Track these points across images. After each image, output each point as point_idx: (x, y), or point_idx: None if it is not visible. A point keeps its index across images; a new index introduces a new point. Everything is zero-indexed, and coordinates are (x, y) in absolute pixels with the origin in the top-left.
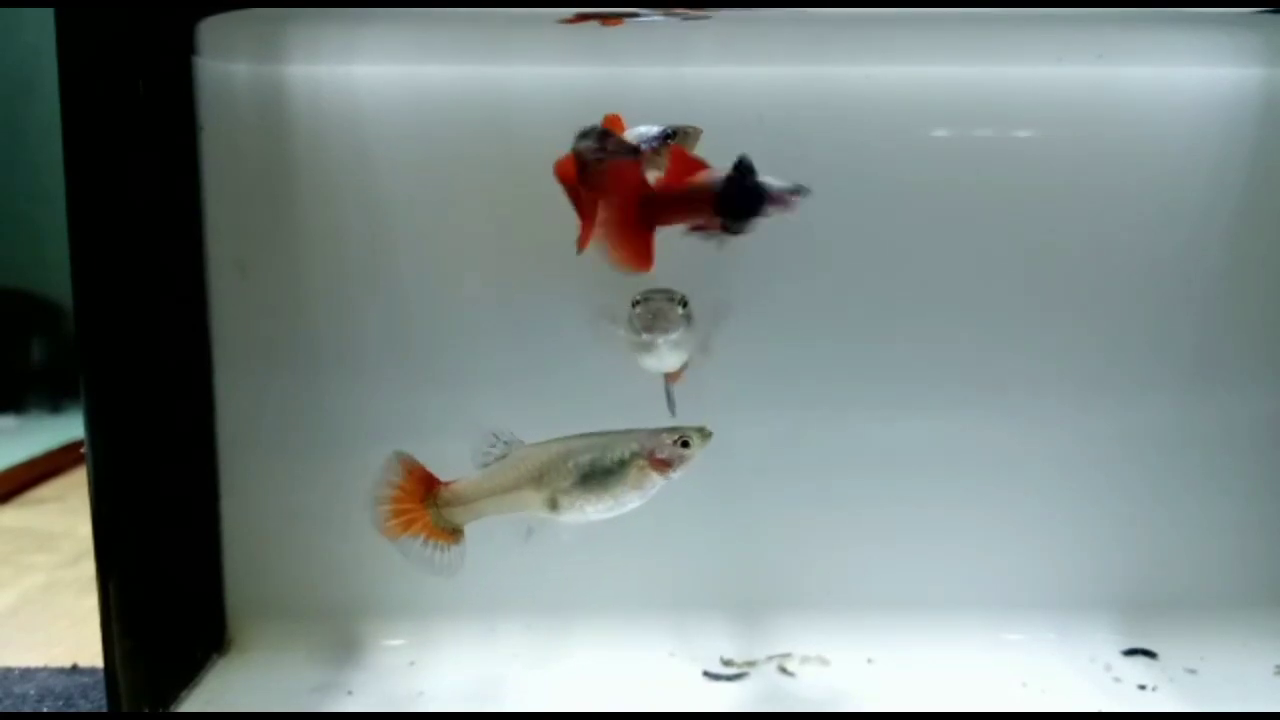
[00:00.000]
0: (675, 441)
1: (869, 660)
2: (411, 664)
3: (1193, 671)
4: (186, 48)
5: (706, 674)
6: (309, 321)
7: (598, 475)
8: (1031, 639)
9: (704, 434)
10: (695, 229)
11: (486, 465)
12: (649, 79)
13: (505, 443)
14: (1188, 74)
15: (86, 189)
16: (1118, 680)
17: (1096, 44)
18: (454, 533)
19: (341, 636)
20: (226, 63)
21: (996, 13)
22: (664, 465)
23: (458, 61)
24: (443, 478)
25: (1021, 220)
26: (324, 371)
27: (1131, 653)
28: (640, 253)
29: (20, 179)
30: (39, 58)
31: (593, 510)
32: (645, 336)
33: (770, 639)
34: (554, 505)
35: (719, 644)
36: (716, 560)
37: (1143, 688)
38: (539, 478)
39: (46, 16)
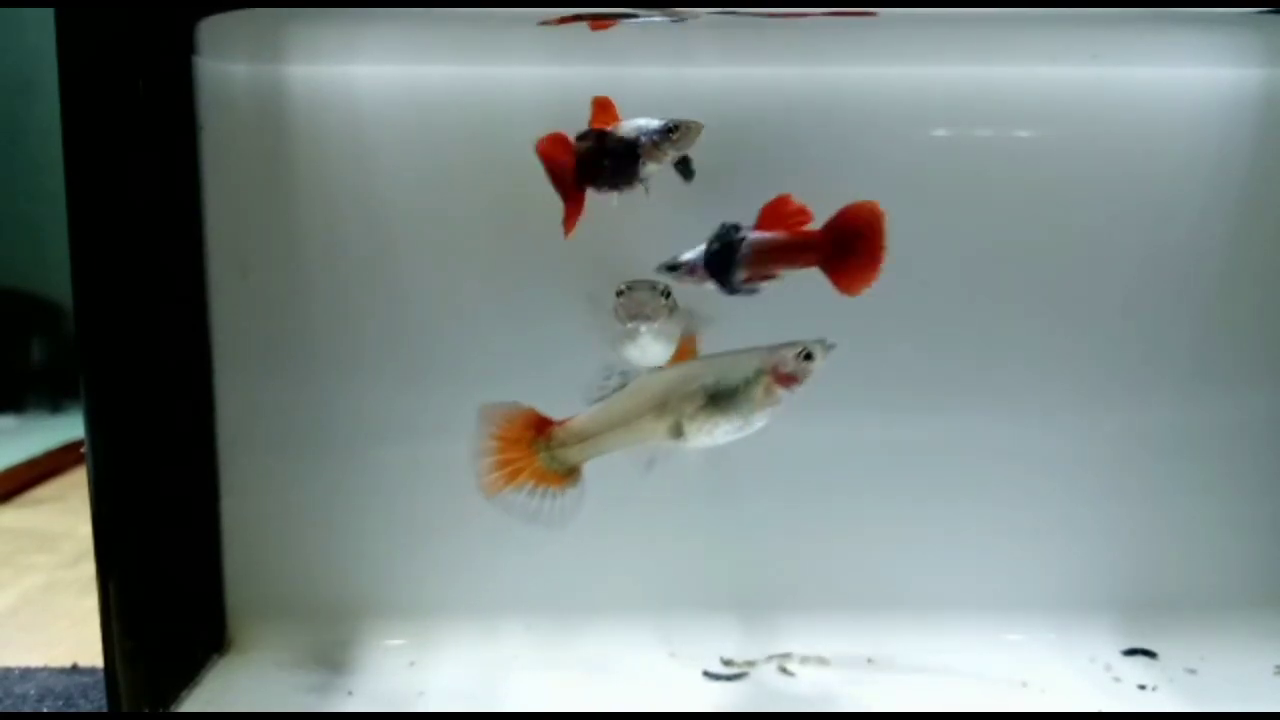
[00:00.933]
0: (798, 355)
1: (869, 660)
2: (412, 664)
3: (1193, 671)
4: (186, 47)
5: (707, 674)
6: (309, 321)
7: (724, 396)
8: (1031, 639)
9: (825, 346)
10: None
11: (602, 399)
12: (647, 79)
13: (621, 373)
14: (1187, 74)
15: (87, 189)
16: (1118, 680)
17: (1094, 44)
18: (568, 475)
19: (342, 637)
20: (226, 63)
21: (994, 13)
22: (790, 380)
23: (457, 61)
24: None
25: (1020, 221)
26: (324, 371)
27: (1131, 653)
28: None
29: (20, 179)
30: (39, 58)
31: (721, 433)
32: (629, 325)
33: (770, 639)
34: (679, 432)
35: (719, 644)
36: (717, 560)
37: (1143, 688)
38: (662, 405)
39: (47, 17)
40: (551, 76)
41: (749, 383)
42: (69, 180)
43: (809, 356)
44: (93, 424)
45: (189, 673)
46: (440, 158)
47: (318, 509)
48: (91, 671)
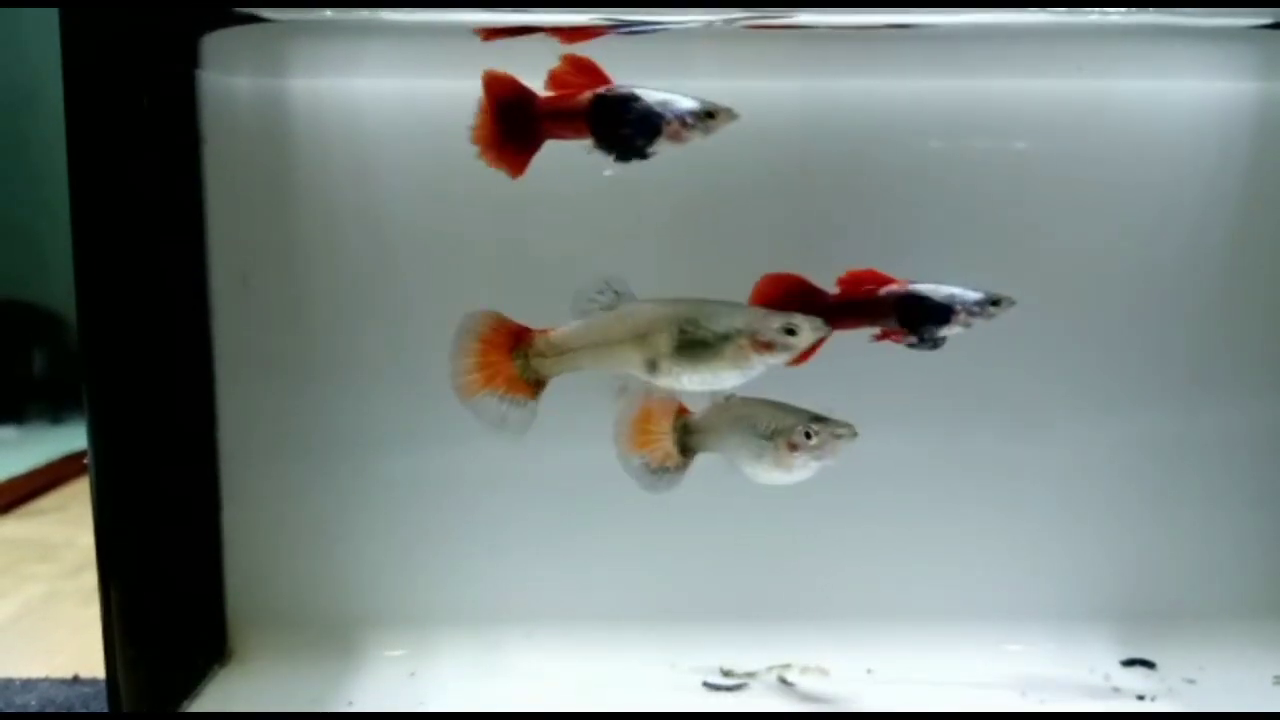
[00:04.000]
0: (782, 328)
1: (868, 670)
2: (412, 674)
3: (1191, 681)
4: (189, 61)
5: (706, 684)
6: (310, 332)
7: (697, 344)
8: (1031, 649)
9: (816, 326)
10: (882, 337)
11: (588, 313)
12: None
13: (616, 293)
14: (1184, 87)
15: (90, 200)
16: (1117, 690)
17: (1089, 57)
18: (536, 386)
19: (342, 647)
20: (229, 76)
21: (990, 25)
22: (765, 348)
23: (457, 75)
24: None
25: (1016, 232)
26: (325, 381)
27: (1131, 663)
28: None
29: (21, 190)
30: (41, 70)
31: (688, 380)
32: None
33: (770, 649)
34: (653, 368)
35: (719, 654)
36: (717, 571)
37: (1141, 698)
38: (642, 337)
39: (49, 29)
40: None
41: (723, 338)
42: (73, 191)
43: (792, 331)
44: (95, 433)
45: (190, 683)
46: (440, 170)
47: (319, 519)
48: (93, 682)
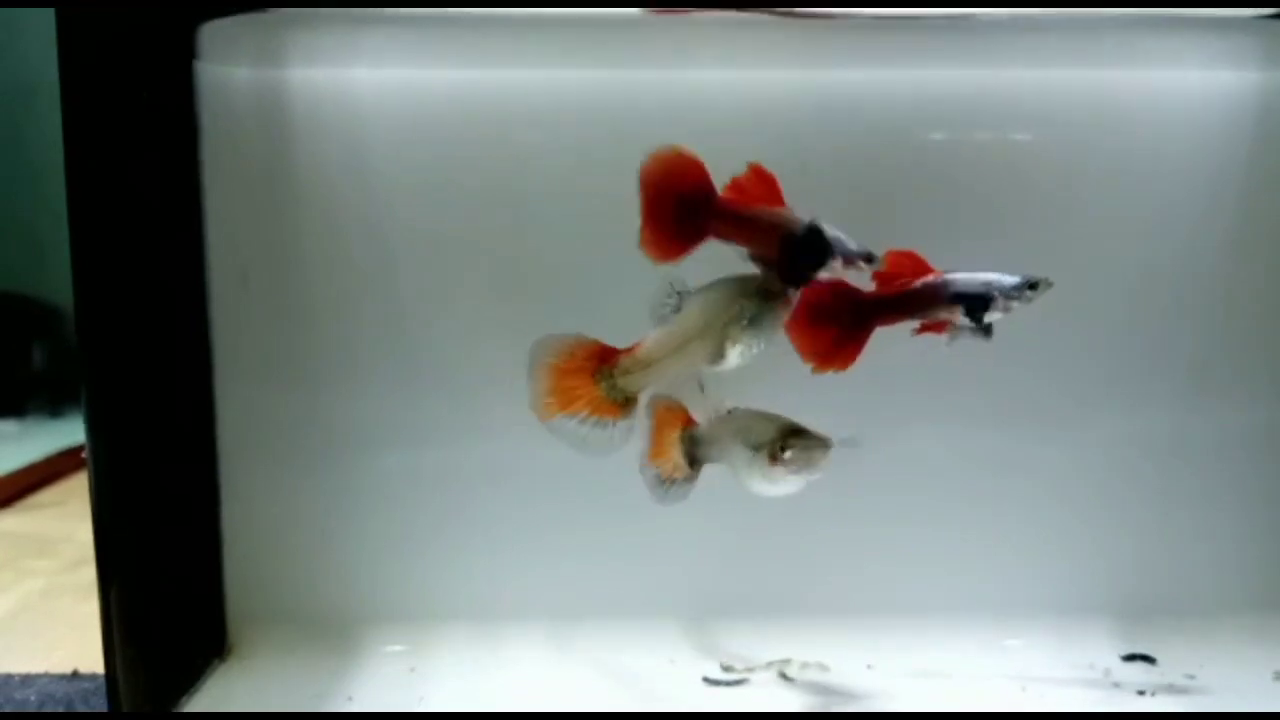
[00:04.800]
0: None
1: (868, 666)
2: (412, 670)
3: (1192, 677)
4: (187, 52)
5: (707, 680)
6: (309, 328)
7: (760, 317)
8: (1031, 644)
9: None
10: (925, 329)
11: (667, 319)
12: (650, 83)
13: (678, 293)
14: (1185, 78)
15: (88, 193)
16: (1117, 685)
17: (1092, 48)
18: (625, 404)
19: (342, 643)
20: (227, 67)
21: (992, 16)
22: (787, 302)
23: (457, 66)
24: None
25: (1017, 226)
26: (324, 378)
27: (1131, 658)
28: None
29: (19, 184)
30: (38, 63)
31: (753, 354)
32: (791, 475)
33: (770, 645)
34: (720, 355)
35: (719, 650)
36: (717, 567)
37: (1142, 693)
38: (705, 328)
39: (46, 23)
40: (552, 80)
41: (769, 301)
42: (70, 185)
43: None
44: (94, 429)
45: (189, 679)
46: (440, 163)
47: (318, 515)
48: (92, 677)
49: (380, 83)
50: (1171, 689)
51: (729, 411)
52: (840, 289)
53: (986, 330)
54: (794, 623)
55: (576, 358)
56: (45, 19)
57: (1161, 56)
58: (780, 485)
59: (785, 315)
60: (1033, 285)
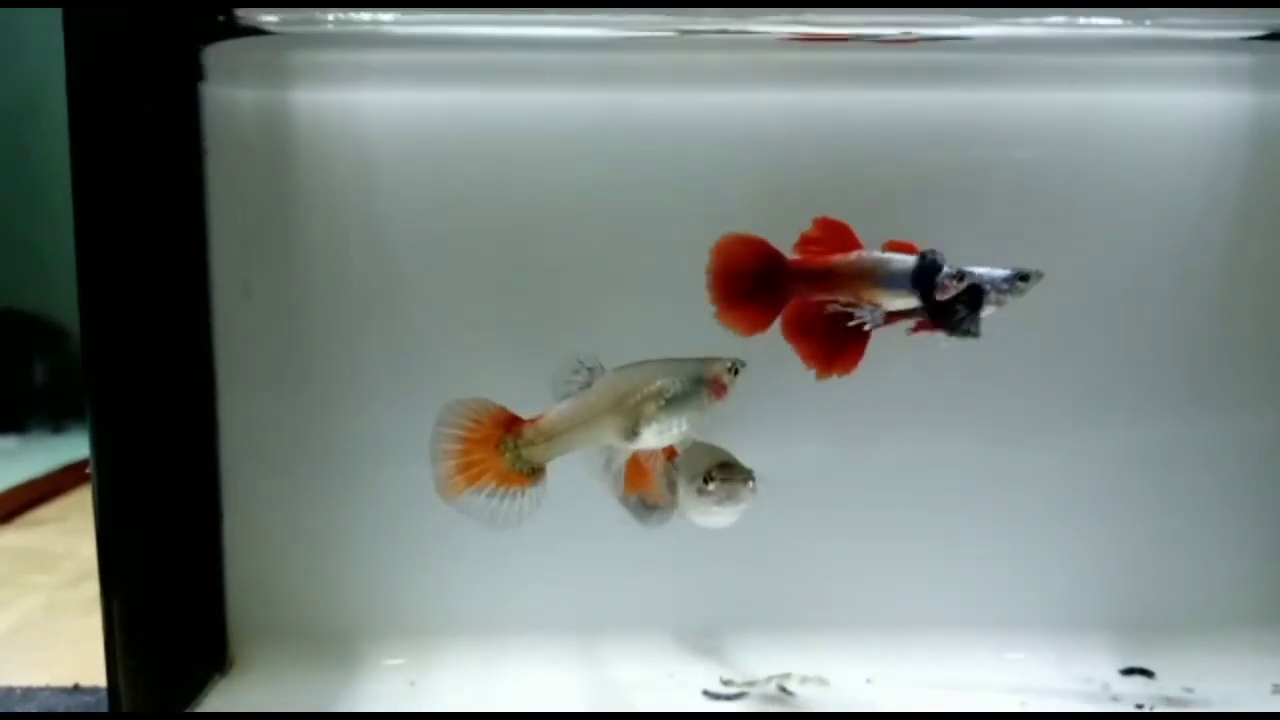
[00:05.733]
0: (729, 369)
1: (868, 680)
2: (412, 684)
3: (1190, 690)
4: (193, 73)
5: (706, 693)
6: (312, 342)
7: (678, 399)
8: (1030, 658)
9: (740, 366)
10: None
11: (569, 393)
12: (651, 104)
13: (589, 369)
14: (1180, 98)
15: (93, 210)
16: (1115, 699)
17: (1085, 68)
18: (532, 474)
19: (342, 656)
20: (232, 88)
21: (989, 36)
22: (722, 390)
23: (460, 86)
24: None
25: (1015, 242)
26: (326, 392)
27: (1129, 672)
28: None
29: (23, 200)
30: (42, 81)
31: (669, 435)
32: (717, 507)
33: (770, 659)
34: (633, 432)
35: (718, 664)
36: (717, 581)
37: (1140, 706)
38: (620, 404)
39: (51, 40)
40: (554, 101)
41: (697, 386)
42: (76, 201)
43: (736, 371)
44: (97, 442)
45: (191, 691)
46: (442, 181)
47: (319, 528)
48: (93, 691)
49: (383, 103)
50: (1170, 702)
51: (690, 444)
52: (766, 255)
53: (973, 327)
54: (793, 637)
55: (483, 425)
56: (49, 37)
57: (1156, 77)
58: (711, 516)
59: (713, 402)
60: (1024, 277)
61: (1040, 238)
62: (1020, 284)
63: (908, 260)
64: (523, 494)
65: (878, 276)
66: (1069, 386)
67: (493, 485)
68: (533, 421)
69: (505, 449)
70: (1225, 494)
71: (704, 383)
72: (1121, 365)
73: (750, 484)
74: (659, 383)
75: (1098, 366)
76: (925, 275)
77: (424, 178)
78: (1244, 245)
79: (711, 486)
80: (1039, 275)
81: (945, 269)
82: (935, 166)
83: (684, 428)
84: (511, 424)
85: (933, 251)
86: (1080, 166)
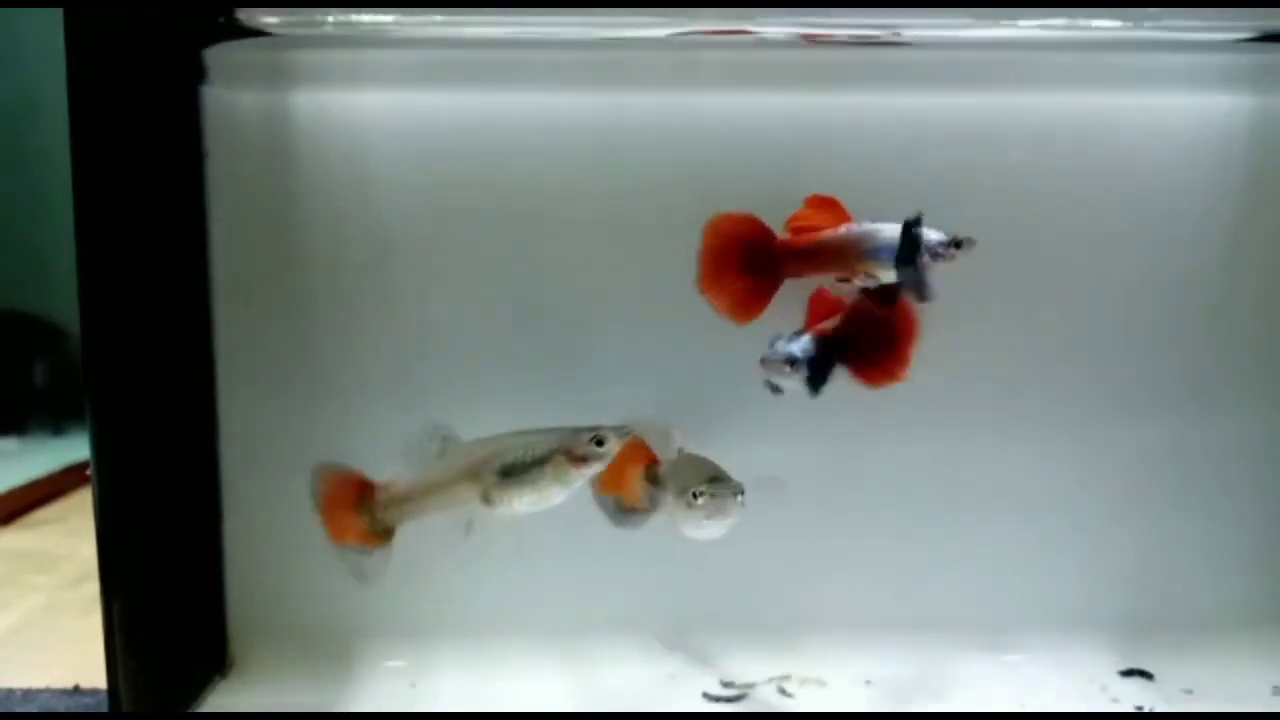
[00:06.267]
0: (591, 440)
1: (867, 682)
2: (413, 686)
3: (1189, 692)
4: (193, 74)
5: (706, 695)
6: (312, 344)
7: (519, 471)
8: (1029, 660)
9: (621, 434)
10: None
11: (423, 461)
12: (652, 105)
13: (444, 437)
14: (1180, 100)
15: (94, 211)
16: (1115, 701)
17: (1083, 70)
18: (384, 535)
19: (343, 658)
20: (233, 90)
21: (985, 38)
22: (580, 461)
23: (461, 88)
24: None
25: (1013, 244)
26: (326, 394)
27: (1129, 673)
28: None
29: (23, 202)
30: (42, 82)
31: (519, 504)
32: (706, 520)
33: (769, 661)
34: (487, 500)
35: (718, 666)
36: (716, 583)
37: (1140, 708)
38: (474, 474)
39: (51, 41)
40: (555, 102)
41: (541, 461)
42: (77, 202)
43: (600, 442)
44: (98, 443)
45: (191, 693)
46: (444, 183)
47: (320, 531)
48: (93, 692)
49: (383, 103)
50: (1170, 704)
51: (679, 454)
52: (756, 232)
53: (920, 288)
54: (793, 638)
55: (345, 487)
56: (49, 38)
57: (1156, 78)
58: (701, 530)
59: (577, 473)
60: (958, 243)
61: (1040, 239)
62: (954, 250)
63: (896, 229)
64: (373, 553)
65: (867, 249)
66: (1068, 387)
67: (355, 544)
68: (387, 486)
69: (364, 511)
70: (1225, 494)
71: (556, 454)
72: (1121, 366)
73: (739, 498)
74: (501, 456)
75: (1097, 367)
76: (911, 244)
77: (424, 178)
78: (1245, 246)
79: (701, 500)
80: (972, 242)
81: (932, 236)
82: (935, 168)
83: (554, 496)
84: (365, 488)
85: (917, 220)
86: (1080, 168)
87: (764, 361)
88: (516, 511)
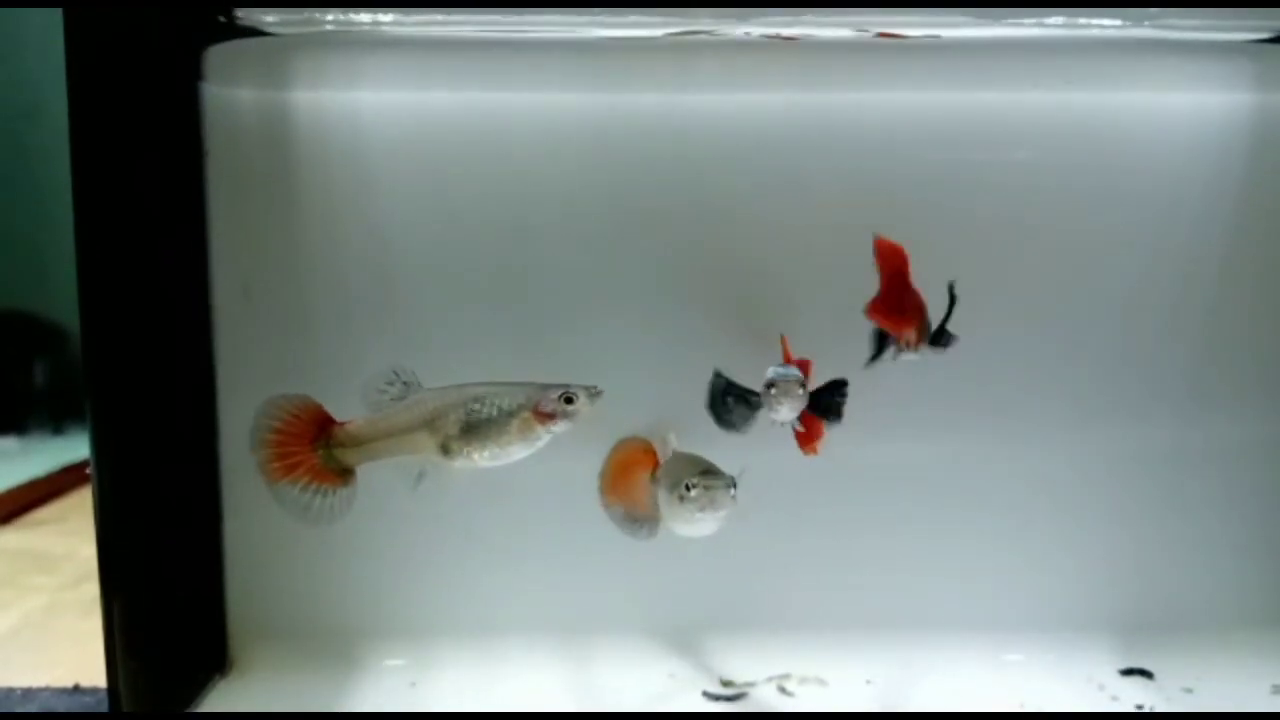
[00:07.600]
0: (560, 397)
1: (868, 681)
2: (413, 685)
3: (1189, 691)
4: (193, 74)
5: (706, 694)
6: (312, 344)
7: (482, 424)
8: (1030, 659)
9: (591, 393)
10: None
11: (380, 404)
12: (650, 105)
13: (404, 383)
14: (1179, 100)
15: (94, 211)
16: (1115, 700)
17: (1084, 70)
18: (342, 474)
19: (343, 657)
20: (232, 89)
21: (988, 39)
22: (547, 418)
23: (460, 88)
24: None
25: (1013, 245)
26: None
27: (1129, 672)
28: None
29: (22, 201)
30: (42, 82)
31: (479, 458)
32: (699, 514)
33: (769, 660)
34: (446, 451)
35: (718, 665)
36: (716, 581)
37: (1140, 707)
38: (433, 422)
39: (53, 41)
40: (553, 102)
41: (506, 415)
42: (76, 202)
43: (570, 400)
44: (98, 443)
45: (191, 693)
46: (443, 183)
47: (319, 531)
48: (93, 691)
49: (382, 103)
50: (1170, 704)
51: (672, 453)
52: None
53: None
54: (793, 637)
55: (300, 421)
56: (49, 39)
57: (1157, 79)
58: (693, 525)
59: (544, 428)
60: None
61: (1041, 239)
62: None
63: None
64: (333, 493)
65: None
66: (1068, 387)
67: (306, 480)
68: (344, 424)
69: (319, 447)
70: (1224, 494)
71: (524, 409)
72: (1121, 366)
73: (731, 491)
74: (465, 406)
75: (1096, 368)
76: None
77: (424, 178)
78: (1245, 247)
79: (693, 494)
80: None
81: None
82: (935, 168)
83: (515, 453)
84: (327, 424)
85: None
86: (1080, 168)
87: (772, 385)
88: (478, 465)
